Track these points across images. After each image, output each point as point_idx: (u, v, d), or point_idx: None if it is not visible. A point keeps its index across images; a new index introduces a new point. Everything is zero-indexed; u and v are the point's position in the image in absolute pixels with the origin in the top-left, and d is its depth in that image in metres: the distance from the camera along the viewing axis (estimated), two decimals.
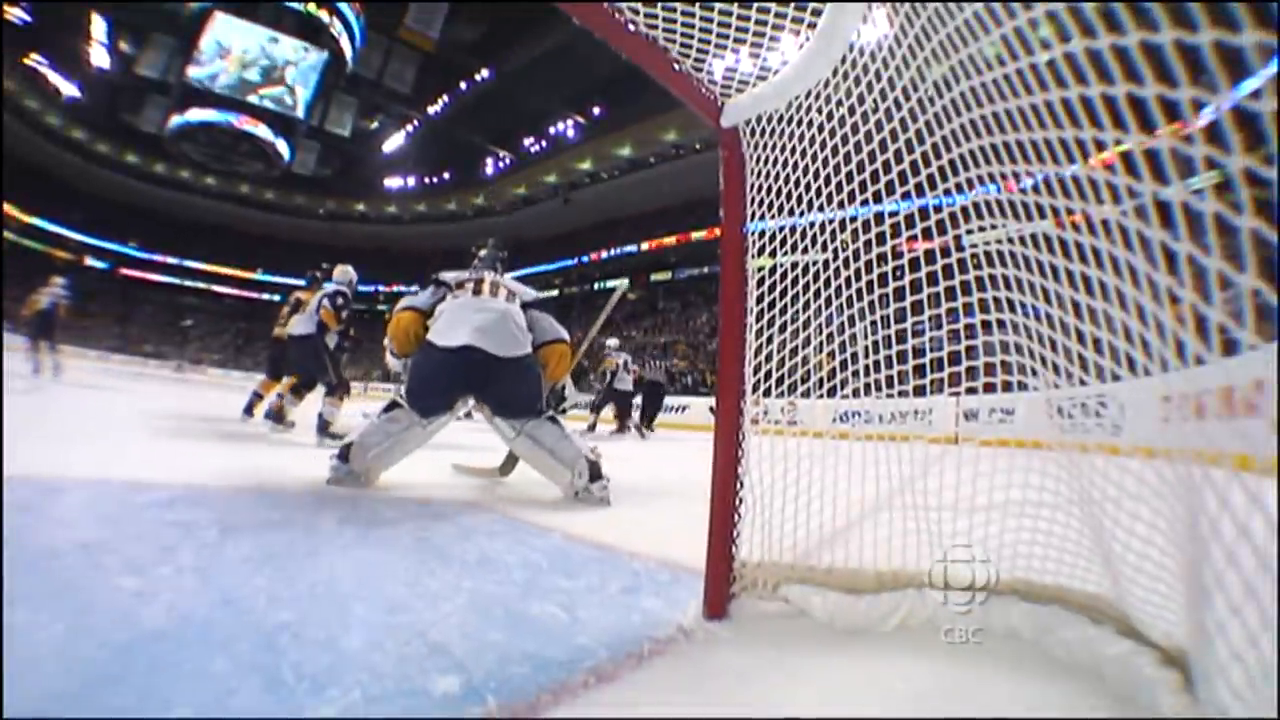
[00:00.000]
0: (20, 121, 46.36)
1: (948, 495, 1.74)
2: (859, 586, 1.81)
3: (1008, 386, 1.72)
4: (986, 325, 1.66)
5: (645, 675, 1.56)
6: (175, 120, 46.31)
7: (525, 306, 4.33)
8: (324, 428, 6.77)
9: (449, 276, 4.37)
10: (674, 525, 3.22)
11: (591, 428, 13.67)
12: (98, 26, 43.81)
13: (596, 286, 45.29)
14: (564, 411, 4.96)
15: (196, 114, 46.11)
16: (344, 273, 8.13)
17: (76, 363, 23.91)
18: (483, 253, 4.89)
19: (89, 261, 51.71)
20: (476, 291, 4.19)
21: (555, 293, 45.93)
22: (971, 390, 1.75)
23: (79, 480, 3.31)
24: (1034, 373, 1.57)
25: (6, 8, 38.96)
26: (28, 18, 40.74)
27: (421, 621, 1.82)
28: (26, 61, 43.94)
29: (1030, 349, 1.55)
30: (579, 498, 3.83)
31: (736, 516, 1.90)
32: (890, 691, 1.43)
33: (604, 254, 46.32)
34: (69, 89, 47.12)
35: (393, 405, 3.92)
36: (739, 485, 1.90)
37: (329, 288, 7.68)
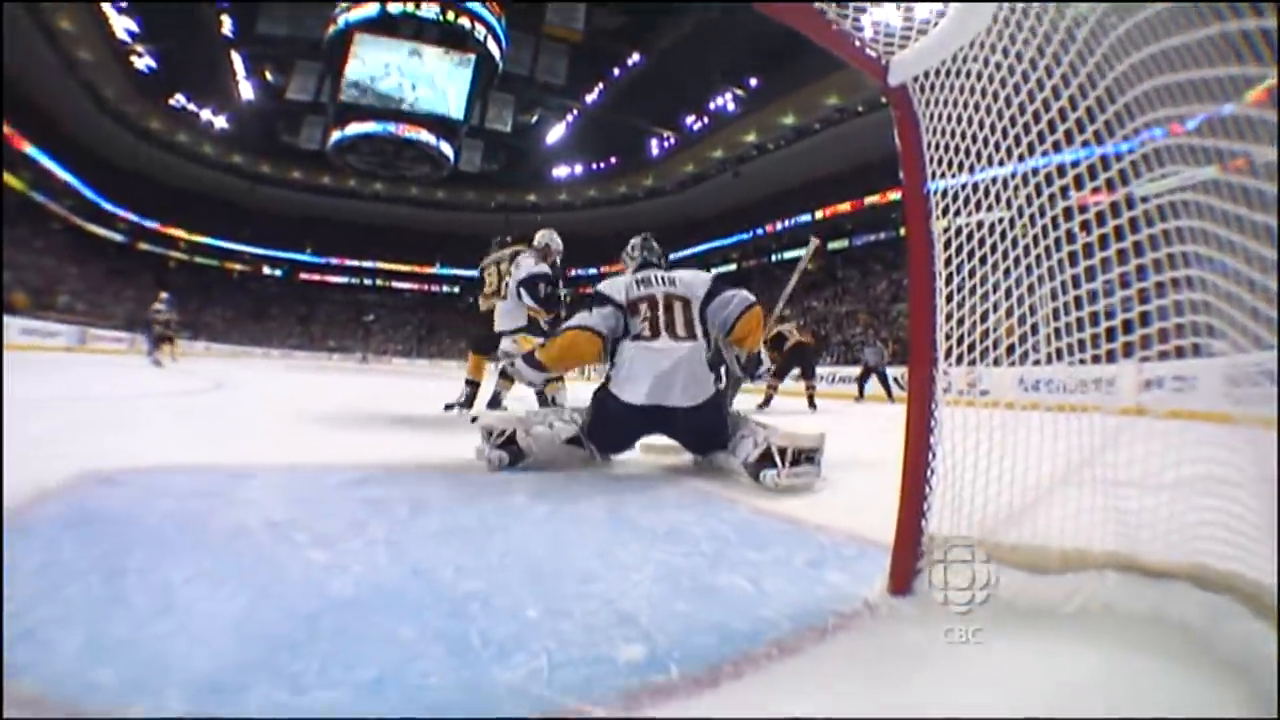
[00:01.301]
0: (172, 154, 51.16)
1: (1131, 470, 1.63)
2: (1042, 564, 1.73)
3: (1196, 350, 1.57)
4: (1162, 287, 1.52)
5: (827, 649, 1.54)
6: (335, 136, 49.28)
7: (706, 300, 4.20)
8: (496, 403, 6.80)
9: (617, 293, 4.20)
10: (861, 498, 3.14)
11: (767, 401, 12.35)
12: (237, 62, 47.60)
13: (774, 259, 44.93)
14: (759, 378, 4.76)
15: (355, 127, 48.78)
16: (545, 238, 7.25)
17: (260, 361, 26.09)
18: (635, 252, 4.70)
19: (265, 270, 56.33)
20: (654, 331, 4.04)
21: (733, 267, 45.84)
22: (1149, 358, 1.63)
23: (269, 465, 3.56)
24: (1214, 334, 1.44)
25: (134, 58, 42.98)
26: (154, 63, 45.02)
27: (610, 591, 1.86)
28: (170, 102, 48.35)
29: (1215, 308, 1.42)
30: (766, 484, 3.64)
31: (927, 489, 1.86)
32: (1060, 682, 1.36)
33: (778, 225, 45.88)
34: (219, 121, 51.39)
35: (576, 440, 3.99)
36: (931, 458, 1.86)
37: (524, 269, 6.93)
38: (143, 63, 45.07)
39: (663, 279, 4.28)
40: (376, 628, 1.58)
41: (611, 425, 4.02)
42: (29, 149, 36.79)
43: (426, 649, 1.48)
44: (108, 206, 46.45)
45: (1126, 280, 1.58)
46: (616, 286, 4.24)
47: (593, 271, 52.78)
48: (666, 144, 52.68)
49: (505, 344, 6.94)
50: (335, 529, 2.38)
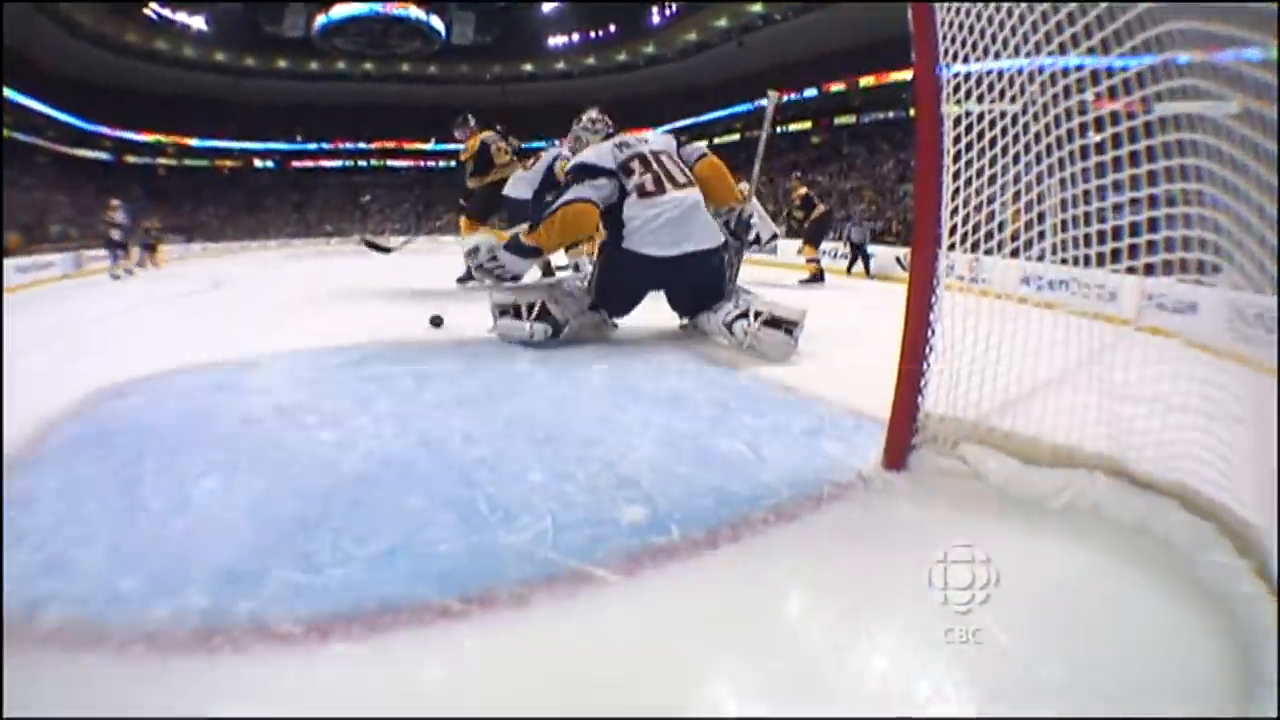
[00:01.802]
0: (154, 63, 49.38)
1: (1123, 380, 1.65)
2: (1033, 456, 1.75)
3: (1199, 267, 1.55)
4: (1172, 198, 1.50)
5: (823, 518, 1.60)
6: (320, 20, 47.50)
7: (679, 148, 4.31)
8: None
9: (604, 160, 4.14)
10: (860, 373, 3.17)
11: (818, 276, 10.53)
12: None
13: (779, 130, 43.98)
14: (758, 244, 4.69)
15: (341, 9, 46.98)
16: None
17: (257, 254, 25.92)
18: (597, 125, 4.74)
19: (256, 164, 55.28)
20: (658, 185, 4.03)
21: (736, 136, 44.82)
22: (1152, 268, 1.62)
23: (272, 353, 3.57)
24: (1216, 269, 1.43)
25: None
26: None
27: (612, 454, 1.92)
28: (146, 12, 46.31)
29: (1224, 234, 1.40)
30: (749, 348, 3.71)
31: (925, 367, 1.88)
32: (1046, 577, 1.40)
33: (784, 98, 44.81)
34: (197, 23, 49.36)
35: (594, 306, 4.04)
36: (929, 338, 1.87)
37: (554, 151, 6.70)
38: None
39: (638, 139, 4.27)
40: (387, 500, 1.65)
41: (625, 285, 4.07)
42: (5, 92, 35.69)
43: (436, 517, 1.55)
44: (88, 127, 45.23)
45: (1137, 183, 1.57)
46: (601, 154, 4.20)
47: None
48: (668, 10, 50.70)
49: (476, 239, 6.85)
50: (342, 408, 2.44)
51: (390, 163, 58.07)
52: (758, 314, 3.63)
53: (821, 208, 11.39)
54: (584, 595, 1.31)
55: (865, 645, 1.20)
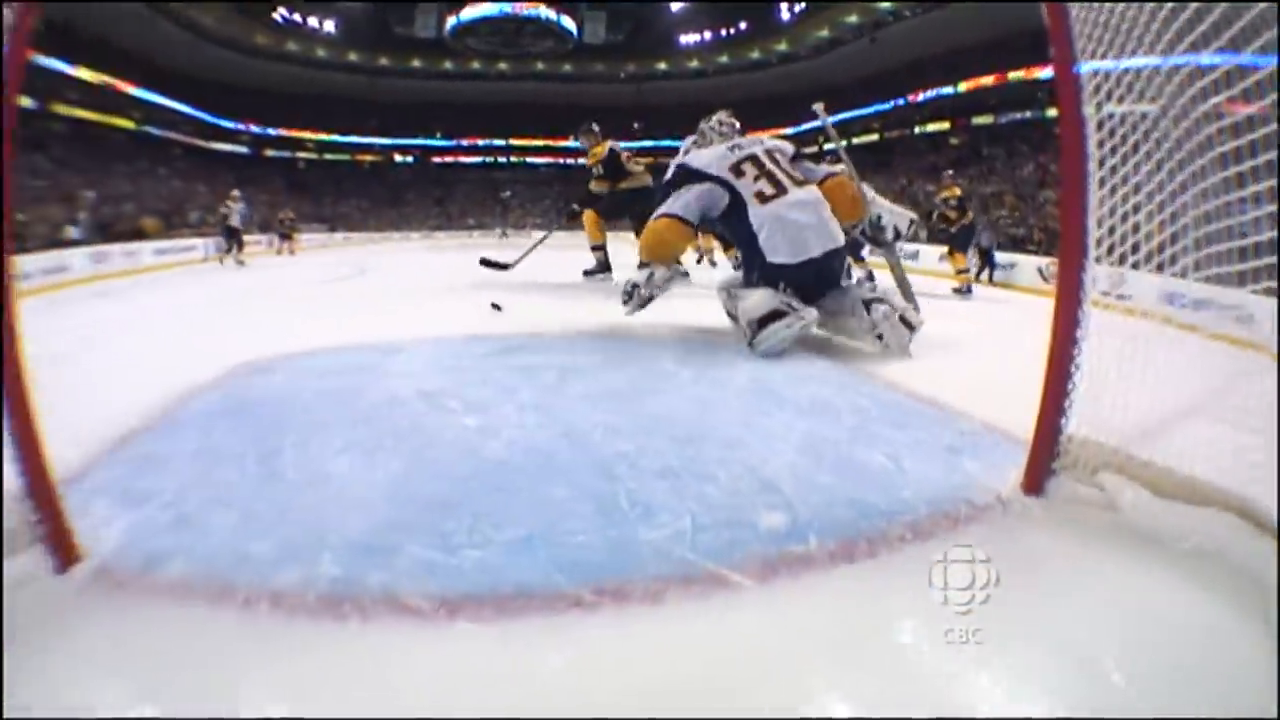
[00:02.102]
0: (287, 64, 51.59)
1: (1256, 413, 1.54)
2: (1168, 490, 1.66)
3: None
4: None
5: (959, 540, 1.54)
6: (451, 21, 48.55)
7: (794, 159, 4.17)
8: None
9: (709, 166, 4.06)
10: (1001, 388, 3.05)
11: (968, 287, 9.41)
12: None
13: (917, 130, 42.61)
14: (899, 237, 4.55)
15: (471, 10, 47.90)
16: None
17: (399, 245, 26.76)
18: (722, 126, 4.55)
19: (396, 159, 57.10)
20: (777, 187, 3.92)
21: (875, 137, 43.80)
22: None
23: (415, 339, 3.66)
24: None
25: None
26: None
27: (754, 458, 1.91)
28: (274, 17, 48.53)
29: None
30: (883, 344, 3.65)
31: (1069, 388, 1.82)
32: (1158, 626, 1.30)
33: (920, 96, 43.33)
34: (328, 26, 51.31)
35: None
36: (1075, 356, 1.80)
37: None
38: None
39: (751, 141, 4.20)
40: (527, 488, 1.68)
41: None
42: (132, 90, 38.42)
43: (575, 508, 1.57)
44: (227, 125, 48.05)
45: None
46: (709, 158, 4.11)
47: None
48: (798, 7, 49.99)
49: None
50: (486, 395, 2.50)
51: (529, 159, 59.23)
52: (894, 307, 3.63)
53: (969, 214, 10.77)
54: (718, 598, 1.30)
55: (985, 674, 1.16)
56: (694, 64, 58.58)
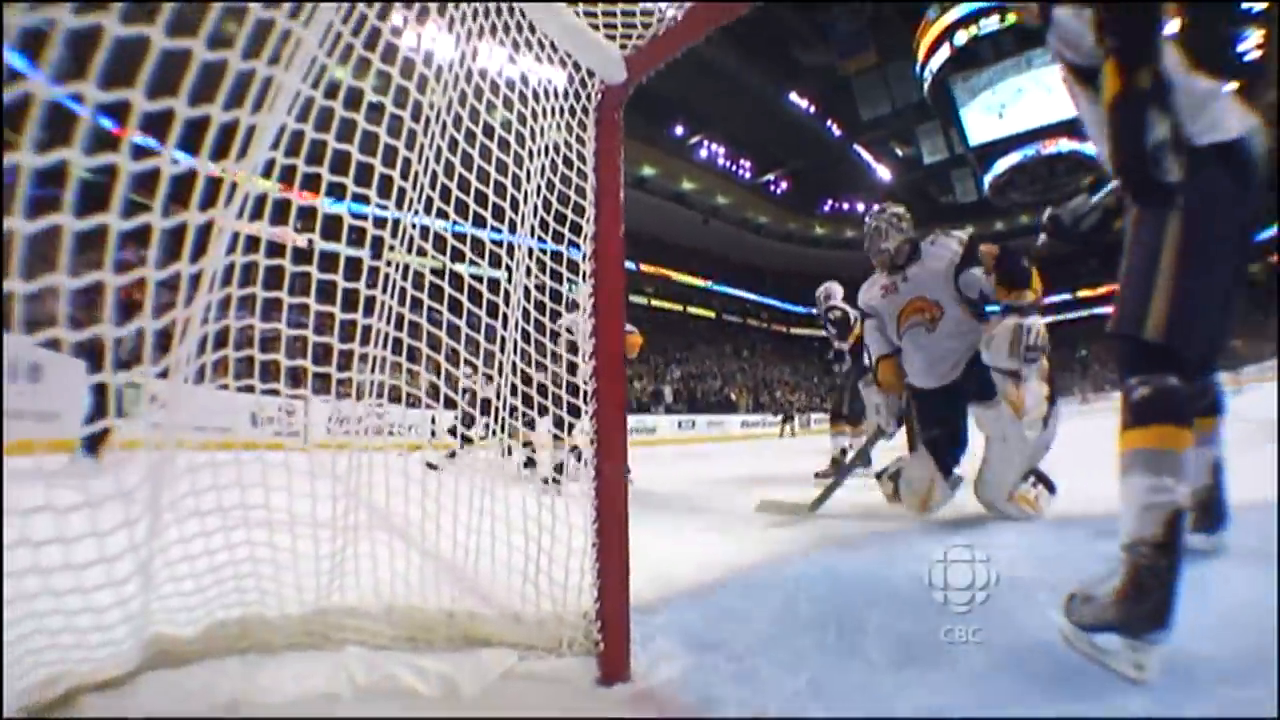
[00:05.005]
0: (846, 249, 55.92)
1: None
2: None
3: None
4: None
5: None
6: (985, 179, 49.52)
7: (957, 272, 4.00)
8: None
9: (862, 299, 4.50)
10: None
11: None
12: (862, 154, 52.91)
13: None
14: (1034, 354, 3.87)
15: (1001, 163, 48.23)
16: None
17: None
18: (883, 229, 4.27)
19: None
20: (909, 320, 4.16)
21: None
22: None
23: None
24: None
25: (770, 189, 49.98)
26: (788, 185, 52.70)
27: None
28: (825, 209, 54.19)
29: None
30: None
31: None
32: None
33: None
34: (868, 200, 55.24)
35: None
36: None
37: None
38: (780, 188, 53.17)
39: (903, 279, 4.21)
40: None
41: (927, 413, 4.21)
42: (705, 284, 46.07)
43: None
44: (796, 309, 54.00)
45: None
46: (865, 290, 4.49)
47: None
48: None
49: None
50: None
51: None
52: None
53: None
54: None
55: None
56: None
